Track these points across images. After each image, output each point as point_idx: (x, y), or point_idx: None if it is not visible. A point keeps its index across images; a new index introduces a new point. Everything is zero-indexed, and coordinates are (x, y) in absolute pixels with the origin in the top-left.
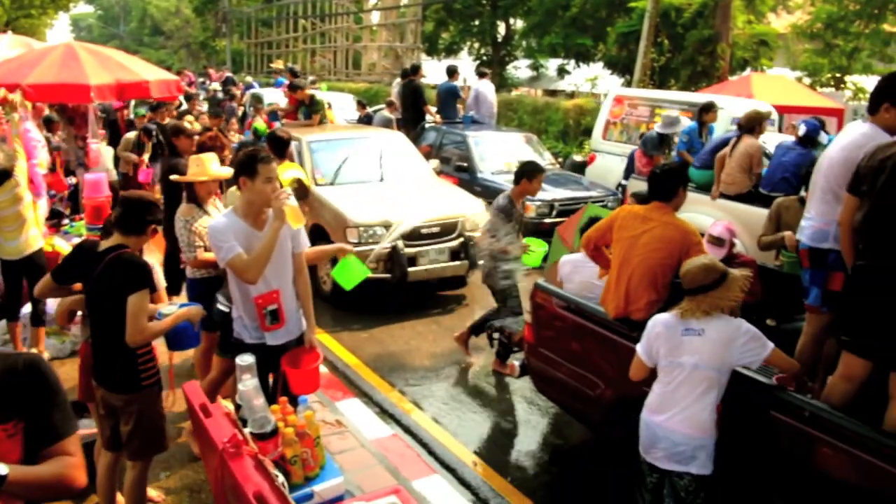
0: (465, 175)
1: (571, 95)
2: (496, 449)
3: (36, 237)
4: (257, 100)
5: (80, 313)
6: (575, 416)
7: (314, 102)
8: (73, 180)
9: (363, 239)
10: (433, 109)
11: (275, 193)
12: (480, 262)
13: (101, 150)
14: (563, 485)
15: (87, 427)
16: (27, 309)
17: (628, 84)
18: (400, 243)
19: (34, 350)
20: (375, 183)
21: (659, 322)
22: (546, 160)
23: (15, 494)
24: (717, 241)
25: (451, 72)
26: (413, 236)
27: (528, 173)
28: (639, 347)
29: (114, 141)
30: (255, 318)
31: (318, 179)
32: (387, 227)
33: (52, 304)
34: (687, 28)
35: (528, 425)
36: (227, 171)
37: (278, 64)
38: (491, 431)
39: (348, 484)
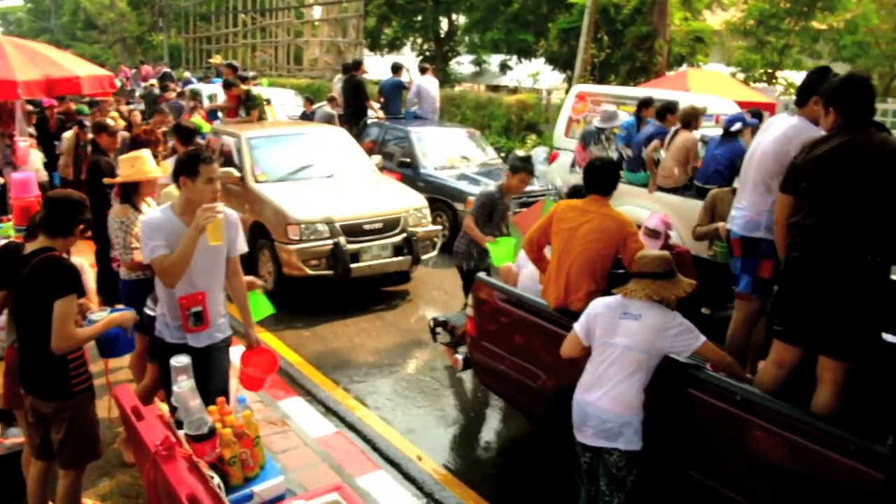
0: (408, 171)
1: (514, 91)
2: (441, 443)
3: None
4: (195, 95)
5: (2, 317)
6: (518, 408)
7: (251, 98)
8: None
9: (304, 236)
10: (376, 105)
11: (203, 207)
12: (457, 241)
13: (30, 150)
14: (508, 476)
15: (15, 436)
16: None
17: (569, 80)
18: (342, 239)
19: None
20: (317, 179)
21: (600, 303)
22: (489, 155)
23: None
24: (652, 234)
25: (396, 68)
26: (356, 232)
27: (511, 167)
28: (576, 325)
29: (43, 140)
30: (178, 318)
31: (259, 176)
32: (329, 223)
33: None
34: (626, 24)
35: (472, 418)
36: (164, 169)
37: (217, 59)
38: (435, 425)
39: (291, 483)
